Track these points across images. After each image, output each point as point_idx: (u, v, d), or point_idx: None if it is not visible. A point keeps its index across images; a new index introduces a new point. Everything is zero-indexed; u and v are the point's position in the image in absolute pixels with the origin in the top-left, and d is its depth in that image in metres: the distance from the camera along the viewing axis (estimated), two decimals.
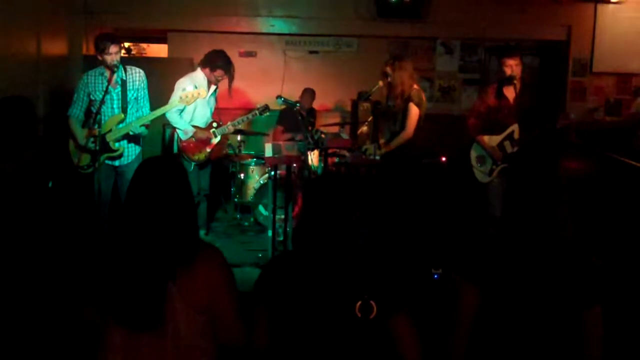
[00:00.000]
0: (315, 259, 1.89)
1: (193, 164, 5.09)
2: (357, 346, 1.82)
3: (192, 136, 5.06)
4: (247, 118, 5.34)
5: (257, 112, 5.28)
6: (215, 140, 5.16)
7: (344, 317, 1.81)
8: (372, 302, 1.80)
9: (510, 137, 4.86)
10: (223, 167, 6.14)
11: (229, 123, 5.19)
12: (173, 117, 4.98)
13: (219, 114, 5.42)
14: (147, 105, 4.71)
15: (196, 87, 4.76)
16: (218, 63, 5.06)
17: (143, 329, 1.86)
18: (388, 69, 5.07)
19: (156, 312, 1.86)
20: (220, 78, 5.14)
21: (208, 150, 5.14)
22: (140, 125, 4.54)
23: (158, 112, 4.64)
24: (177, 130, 5.08)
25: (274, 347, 1.92)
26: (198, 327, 1.92)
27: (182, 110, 4.99)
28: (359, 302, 1.80)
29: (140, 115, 4.62)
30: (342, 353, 1.83)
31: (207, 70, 5.10)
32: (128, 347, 1.89)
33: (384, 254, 1.98)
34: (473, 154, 5.09)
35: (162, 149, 5.82)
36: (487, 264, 1.98)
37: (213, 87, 5.22)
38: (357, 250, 1.91)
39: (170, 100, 4.83)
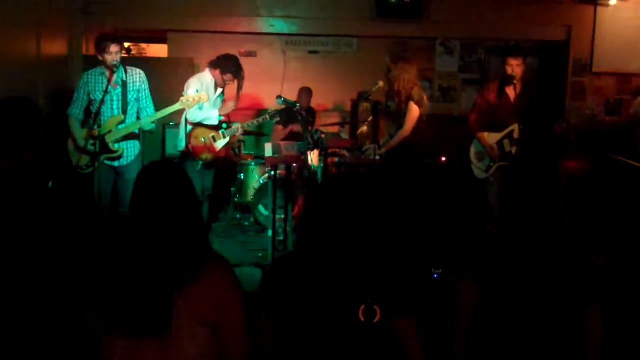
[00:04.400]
0: (320, 262, 1.88)
1: (200, 163, 5.11)
2: (360, 349, 1.82)
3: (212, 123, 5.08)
4: (257, 121, 5.39)
5: (267, 116, 5.36)
6: (223, 141, 5.18)
7: (348, 320, 1.80)
8: (375, 306, 1.79)
9: (509, 136, 4.86)
10: (227, 168, 6.14)
11: (239, 125, 5.22)
12: (194, 114, 4.98)
13: (228, 114, 5.43)
14: (151, 105, 4.72)
15: (198, 92, 4.79)
16: (231, 68, 5.10)
17: (146, 337, 1.82)
18: (391, 67, 5.09)
19: (161, 322, 1.81)
20: (228, 82, 5.17)
21: (216, 150, 5.17)
22: (152, 122, 4.58)
23: (163, 112, 4.64)
24: (204, 122, 5.06)
25: (278, 350, 1.91)
26: (201, 339, 1.87)
27: (200, 107, 5.01)
28: (363, 306, 1.80)
29: (144, 115, 4.63)
30: (346, 356, 1.82)
31: (217, 72, 5.13)
32: (129, 357, 1.85)
33: (388, 257, 1.97)
34: (472, 150, 5.11)
35: (162, 150, 5.83)
36: (486, 262, 1.98)
37: (220, 90, 5.24)
38: (362, 254, 1.90)
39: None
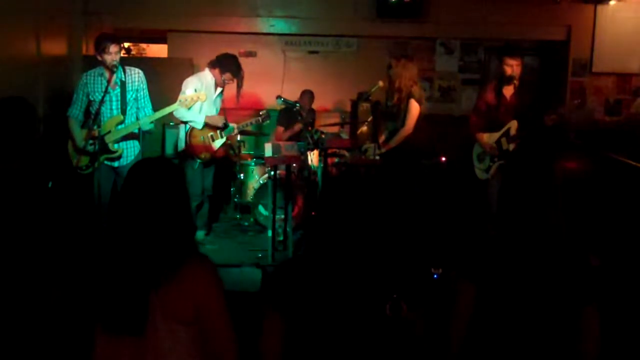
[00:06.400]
0: (339, 261, 1.85)
1: (199, 161, 5.11)
2: (383, 346, 1.82)
3: (205, 125, 5.07)
4: (251, 123, 5.39)
5: (259, 119, 5.36)
6: (221, 141, 5.18)
7: (374, 317, 1.80)
8: (402, 301, 1.80)
9: (506, 134, 4.87)
10: (227, 168, 6.14)
11: (235, 125, 5.22)
12: (181, 113, 4.98)
13: (225, 114, 5.43)
14: (149, 104, 4.72)
15: (196, 91, 4.79)
16: (231, 67, 5.10)
17: (123, 334, 1.80)
18: (393, 64, 5.10)
19: (137, 320, 1.79)
20: (227, 81, 5.17)
21: (214, 149, 5.16)
22: (150, 122, 4.59)
23: (161, 112, 4.63)
24: (189, 123, 5.07)
25: (290, 353, 1.88)
26: (182, 339, 1.83)
27: (189, 108, 5.01)
28: (390, 302, 1.80)
29: (142, 115, 4.63)
30: (369, 353, 1.81)
31: (217, 71, 5.13)
32: (109, 355, 1.84)
33: (404, 253, 1.97)
34: (474, 152, 5.12)
35: (162, 150, 5.82)
36: (483, 261, 1.98)
37: (219, 89, 5.24)
38: (383, 251, 1.88)
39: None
